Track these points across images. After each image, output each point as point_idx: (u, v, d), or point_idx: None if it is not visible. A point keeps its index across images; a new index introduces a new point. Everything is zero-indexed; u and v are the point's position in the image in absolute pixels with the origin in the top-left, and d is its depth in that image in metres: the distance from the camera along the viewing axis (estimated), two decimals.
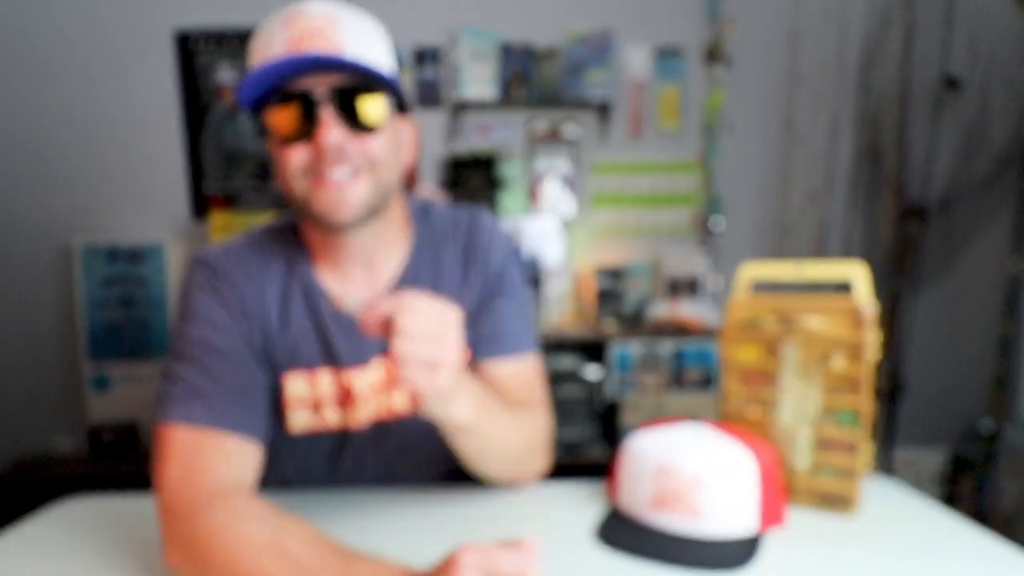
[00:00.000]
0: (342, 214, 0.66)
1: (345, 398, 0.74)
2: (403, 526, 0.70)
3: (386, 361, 0.62)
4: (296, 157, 0.65)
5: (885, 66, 2.33)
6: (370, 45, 0.67)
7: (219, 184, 2.37)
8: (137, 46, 2.30)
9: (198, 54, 2.31)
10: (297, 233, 0.77)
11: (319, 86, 0.64)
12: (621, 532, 0.67)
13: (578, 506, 0.75)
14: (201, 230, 2.36)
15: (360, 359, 0.74)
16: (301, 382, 0.73)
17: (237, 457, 0.62)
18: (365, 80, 0.65)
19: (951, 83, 2.29)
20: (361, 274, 0.75)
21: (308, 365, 0.73)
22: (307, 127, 0.64)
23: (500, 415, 0.69)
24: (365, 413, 0.75)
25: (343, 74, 0.64)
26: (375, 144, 0.66)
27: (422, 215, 0.81)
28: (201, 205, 2.37)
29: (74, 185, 2.33)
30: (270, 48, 0.64)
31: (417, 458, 0.81)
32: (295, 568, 0.51)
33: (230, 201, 2.37)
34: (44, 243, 2.34)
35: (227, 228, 2.18)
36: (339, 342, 0.74)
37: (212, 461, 0.60)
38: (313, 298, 0.74)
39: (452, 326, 0.56)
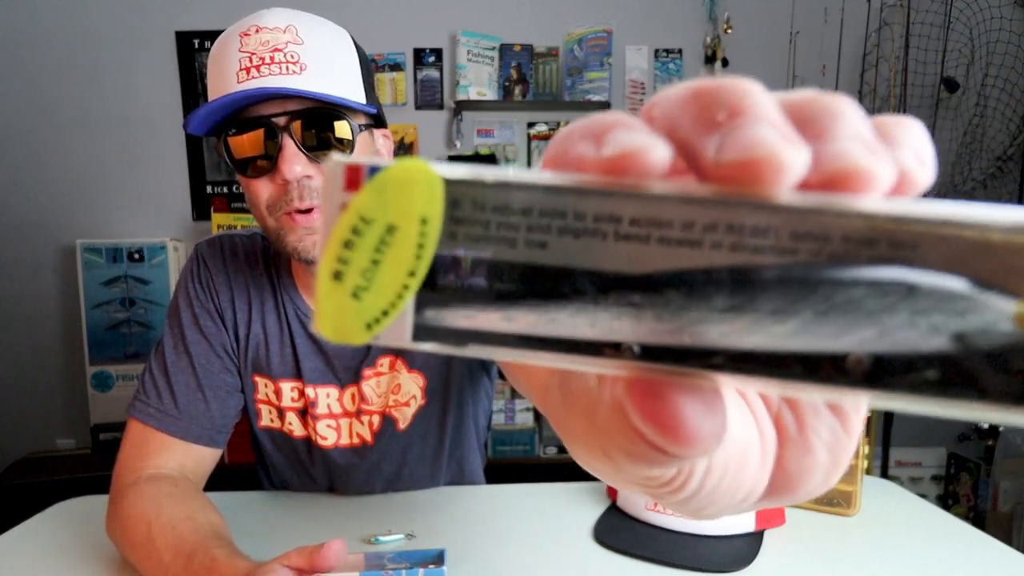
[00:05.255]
0: (316, 251, 0.65)
1: (307, 411, 0.76)
2: (405, 527, 0.70)
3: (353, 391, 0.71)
4: (263, 192, 0.62)
5: (884, 67, 2.34)
6: (332, 59, 0.62)
7: (221, 184, 2.38)
8: (139, 47, 2.31)
9: (199, 55, 2.31)
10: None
11: (278, 113, 0.60)
12: (621, 532, 0.67)
13: (578, 506, 0.75)
14: (202, 230, 2.36)
15: (323, 379, 0.75)
16: (267, 387, 0.76)
17: (178, 456, 0.69)
18: (326, 100, 0.61)
19: (950, 84, 2.29)
20: None
21: (274, 374, 0.75)
22: (269, 159, 0.60)
23: None
24: (329, 435, 0.76)
25: (304, 99, 0.60)
26: None
27: None
28: (203, 205, 2.37)
29: (76, 185, 2.33)
30: (226, 67, 0.60)
31: (394, 482, 0.81)
32: (156, 561, 0.56)
33: (231, 201, 2.38)
34: (46, 243, 2.34)
35: (229, 228, 2.18)
36: (304, 359, 0.74)
37: (153, 455, 0.68)
38: (285, 310, 0.75)
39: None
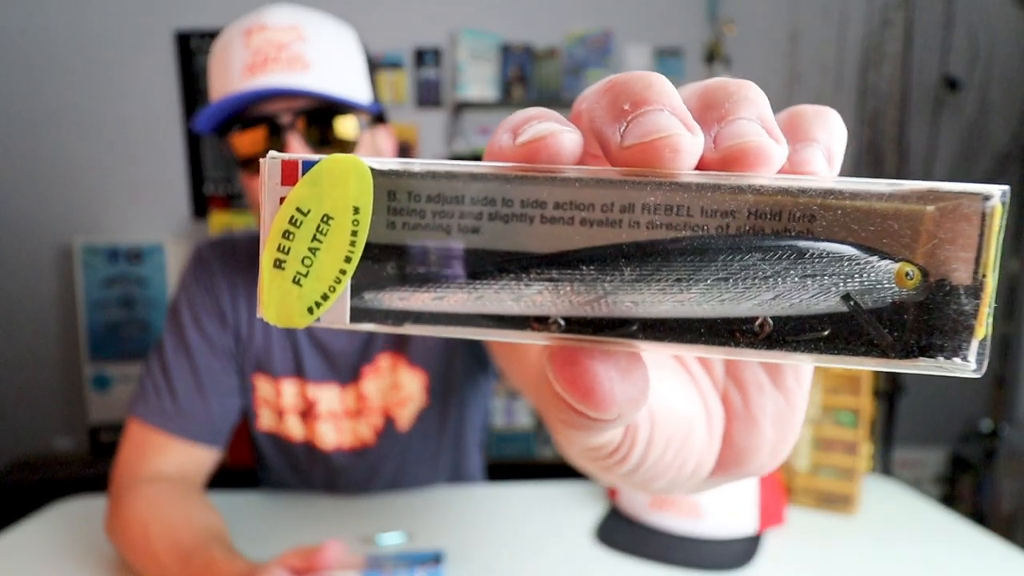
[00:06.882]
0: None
1: (307, 412, 0.76)
2: (405, 527, 0.70)
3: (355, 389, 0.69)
4: None
5: (885, 66, 2.33)
6: (337, 58, 0.63)
7: (219, 184, 2.37)
8: (137, 46, 2.30)
9: (198, 54, 2.31)
10: None
11: (284, 110, 0.61)
12: (621, 532, 0.67)
13: (578, 506, 0.75)
14: (201, 230, 2.36)
15: (324, 377, 0.76)
16: (267, 387, 0.76)
17: (177, 456, 0.69)
18: (333, 100, 0.62)
19: (951, 83, 2.29)
20: None
21: (275, 372, 0.75)
22: None
23: None
24: (330, 436, 0.76)
25: (310, 96, 0.62)
26: None
27: None
28: (201, 205, 2.37)
29: (74, 185, 2.33)
30: (230, 66, 0.61)
31: (393, 482, 0.81)
32: (153, 562, 0.57)
33: (230, 201, 2.37)
34: (44, 243, 2.33)
35: (227, 228, 2.18)
36: (306, 357, 0.75)
37: (152, 456, 0.68)
38: None
39: None
